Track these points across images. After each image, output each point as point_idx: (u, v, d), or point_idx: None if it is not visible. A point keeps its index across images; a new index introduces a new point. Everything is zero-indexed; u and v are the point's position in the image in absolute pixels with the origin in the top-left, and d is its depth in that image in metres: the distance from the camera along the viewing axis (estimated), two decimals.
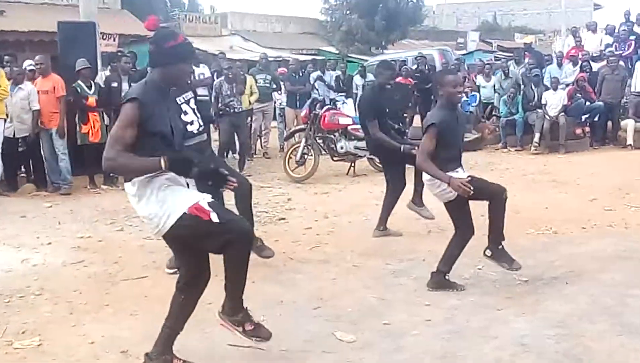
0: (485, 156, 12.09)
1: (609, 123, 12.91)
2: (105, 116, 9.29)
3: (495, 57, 23.19)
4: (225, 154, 10.70)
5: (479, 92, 14.44)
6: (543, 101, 12.64)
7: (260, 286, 5.06)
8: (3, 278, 5.29)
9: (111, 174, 9.00)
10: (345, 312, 4.53)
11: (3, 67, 8.97)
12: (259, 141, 12.76)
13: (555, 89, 12.69)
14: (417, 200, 6.61)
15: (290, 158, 9.93)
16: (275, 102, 13.31)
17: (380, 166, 8.05)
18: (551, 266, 5.53)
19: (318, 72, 14.11)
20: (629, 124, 12.43)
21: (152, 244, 5.82)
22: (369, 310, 4.58)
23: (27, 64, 9.81)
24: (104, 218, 7.30)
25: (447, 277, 4.98)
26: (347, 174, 10.23)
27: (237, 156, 10.97)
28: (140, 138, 3.32)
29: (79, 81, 9.02)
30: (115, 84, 9.16)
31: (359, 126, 9.65)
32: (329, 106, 10.46)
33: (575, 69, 13.96)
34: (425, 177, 4.99)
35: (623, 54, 14.13)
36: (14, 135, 8.82)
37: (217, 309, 3.64)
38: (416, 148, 6.36)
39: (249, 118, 12.14)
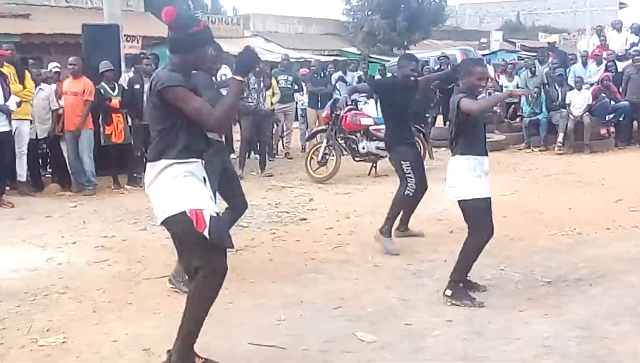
0: (509, 156, 12.01)
1: (635, 123, 12.76)
2: (129, 118, 9.36)
3: (518, 56, 23.04)
4: (247, 154, 10.73)
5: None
6: (567, 101, 12.52)
7: (281, 286, 5.08)
8: (28, 276, 5.36)
9: (135, 175, 9.11)
10: (366, 312, 4.53)
11: (28, 70, 9.06)
12: (280, 141, 12.79)
13: (579, 89, 12.57)
14: (386, 229, 6.26)
15: (311, 158, 9.95)
16: (297, 103, 13.34)
17: None
18: (574, 267, 5.48)
19: (339, 73, 14.13)
20: None
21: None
22: (389, 311, 4.57)
23: (53, 66, 9.98)
24: (128, 218, 7.37)
25: (467, 277, 4.92)
26: (368, 174, 10.21)
27: (257, 156, 11.01)
28: (171, 119, 3.40)
29: (103, 83, 9.11)
30: (137, 86, 9.25)
31: (380, 126, 9.66)
32: (351, 106, 10.45)
33: (599, 68, 13.82)
34: (451, 165, 4.88)
35: None
36: (37, 136, 8.95)
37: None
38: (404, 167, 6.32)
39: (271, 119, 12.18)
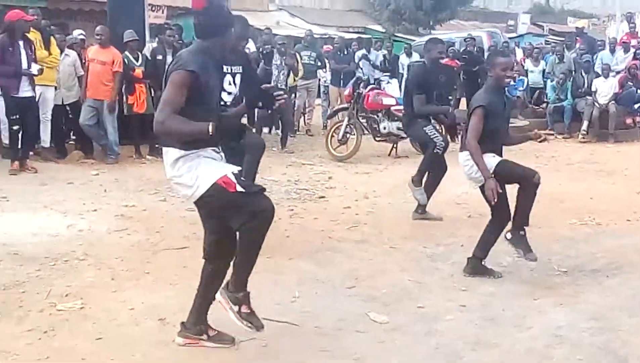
0: (531, 143, 11.72)
1: None
2: (151, 88, 9.39)
3: (546, 41, 22.68)
4: (269, 130, 10.73)
5: (527, 76, 14.17)
6: (593, 88, 12.36)
7: (297, 263, 5.12)
8: (49, 242, 5.45)
9: (157, 145, 9.16)
10: (380, 293, 4.55)
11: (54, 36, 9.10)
12: (302, 118, 12.78)
13: (606, 76, 12.39)
14: (416, 179, 6.52)
15: (332, 136, 9.94)
16: (319, 79, 13.29)
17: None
18: (592, 257, 5.46)
19: (363, 51, 14.03)
20: None
21: (194, 215, 5.83)
22: (403, 293, 4.59)
23: (77, 33, 10.00)
24: (148, 188, 7.43)
25: (483, 263, 4.95)
26: (389, 155, 10.19)
27: (279, 132, 11.02)
28: (188, 105, 3.39)
29: (127, 52, 9.12)
30: (160, 57, 9.24)
31: (402, 107, 9.63)
32: (373, 85, 10.41)
33: (627, 56, 13.60)
34: (462, 158, 4.93)
35: None
36: (62, 102, 9.01)
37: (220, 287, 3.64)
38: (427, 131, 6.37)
39: (293, 95, 12.16)
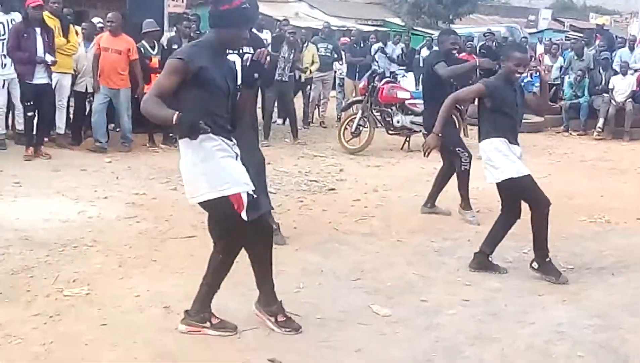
0: (545, 139, 11.83)
1: None
2: None
3: (566, 37, 22.49)
4: (283, 121, 10.72)
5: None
6: (610, 86, 12.23)
7: (303, 254, 5.15)
8: (59, 227, 5.52)
9: (170, 134, 9.22)
10: (385, 286, 4.57)
11: (72, 22, 9.17)
12: (317, 109, 12.79)
13: (624, 74, 12.25)
14: (464, 203, 6.47)
15: (345, 128, 9.94)
16: (335, 71, 13.29)
17: None
18: (599, 255, 5.44)
19: (380, 44, 14.00)
20: None
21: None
22: (408, 286, 4.61)
23: (97, 21, 10.06)
24: (160, 176, 7.49)
25: (490, 259, 4.95)
26: (401, 148, 10.17)
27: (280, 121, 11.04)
28: (189, 93, 3.43)
29: (144, 41, 9.16)
30: (175, 46, 9.23)
31: (416, 101, 9.62)
32: (388, 79, 10.39)
33: None
34: (481, 148, 4.92)
35: None
36: (86, 89, 9.07)
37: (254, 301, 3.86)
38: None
39: (308, 86, 12.17)
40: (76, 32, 9.05)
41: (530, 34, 23.15)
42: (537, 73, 13.60)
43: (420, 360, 3.56)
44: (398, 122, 9.97)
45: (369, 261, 5.10)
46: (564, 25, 31.36)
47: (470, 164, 6.35)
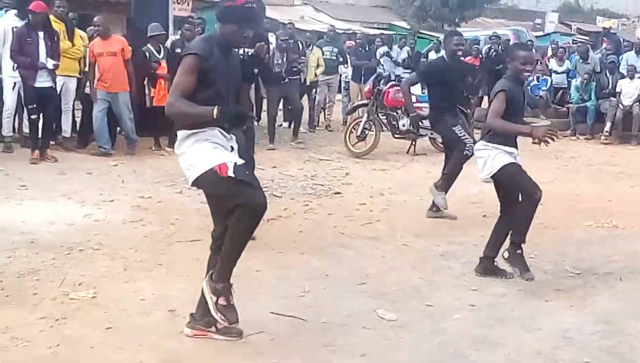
0: (552, 143, 11.73)
1: None
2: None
3: (573, 40, 22.43)
4: (274, 126, 10.59)
5: (550, 76, 14.03)
6: (618, 90, 12.20)
7: (308, 258, 5.15)
8: (65, 231, 5.53)
9: (176, 137, 9.21)
10: (390, 290, 4.56)
11: (78, 26, 9.18)
12: (322, 113, 12.79)
13: (631, 78, 12.21)
14: (440, 184, 6.50)
15: (351, 132, 9.94)
16: (341, 75, 13.28)
17: (442, 146, 7.98)
18: (606, 260, 5.41)
19: (385, 48, 13.98)
20: None
21: (208, 208, 5.96)
22: (413, 291, 4.60)
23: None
24: (165, 180, 7.50)
25: (495, 263, 4.93)
26: (407, 152, 10.17)
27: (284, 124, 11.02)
28: (198, 89, 3.48)
29: (149, 45, 9.15)
30: (178, 50, 9.24)
31: (422, 104, 9.58)
32: (394, 82, 10.38)
33: None
34: (478, 154, 4.92)
35: None
36: None
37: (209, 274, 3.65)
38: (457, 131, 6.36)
39: (314, 90, 12.17)
40: (81, 37, 9.07)
41: (536, 37, 23.10)
42: (544, 77, 13.69)
43: None
44: (404, 125, 9.96)
45: (374, 265, 5.09)
46: (570, 29, 31.28)
47: (472, 151, 6.32)
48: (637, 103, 11.99)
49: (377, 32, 19.27)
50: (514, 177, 4.76)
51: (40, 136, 8.11)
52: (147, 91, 9.25)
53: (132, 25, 10.64)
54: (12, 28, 8.19)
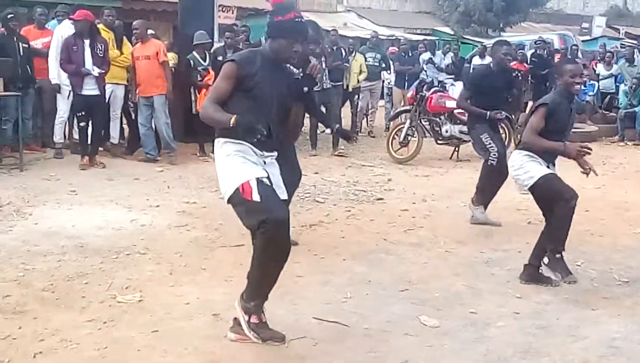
0: (600, 149, 11.50)
1: None
2: None
3: (621, 44, 21.97)
4: (316, 133, 10.56)
5: (598, 81, 13.78)
6: None
7: (350, 264, 5.15)
8: (113, 235, 5.66)
9: None
10: (432, 297, 4.54)
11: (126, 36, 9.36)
12: (365, 119, 12.79)
13: None
14: (476, 198, 6.50)
15: (393, 138, 9.92)
16: (383, 81, 13.27)
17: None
18: None
19: (428, 54, 13.91)
20: None
21: None
22: (456, 298, 4.57)
23: (148, 33, 10.27)
24: (209, 186, 7.59)
25: (540, 271, 4.87)
26: (450, 158, 10.11)
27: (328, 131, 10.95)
28: (237, 98, 3.54)
29: (194, 53, 9.28)
30: (220, 58, 9.34)
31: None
32: (437, 88, 10.33)
33: None
34: (511, 165, 4.90)
35: None
36: None
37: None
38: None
39: (357, 96, 12.18)
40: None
41: (583, 41, 22.73)
42: (591, 81, 13.44)
43: None
44: (447, 131, 9.91)
45: (416, 271, 5.07)
46: (619, 33, 30.65)
47: (497, 161, 6.33)
48: None
49: (420, 37, 19.18)
50: (550, 185, 4.70)
51: (89, 142, 8.31)
52: (193, 98, 9.37)
53: (179, 34, 10.83)
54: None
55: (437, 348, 3.78)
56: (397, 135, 9.89)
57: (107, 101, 8.67)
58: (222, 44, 9.94)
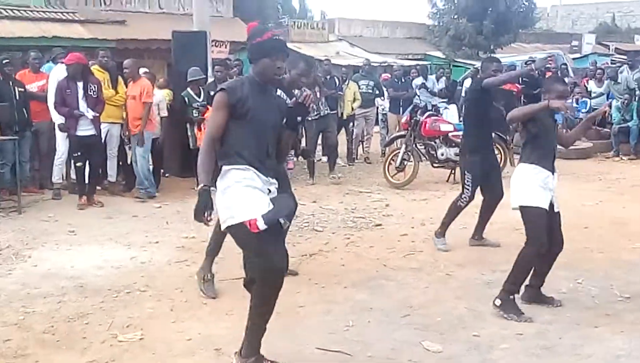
0: (595, 165, 11.62)
1: None
2: None
3: (612, 60, 22.14)
4: (313, 161, 10.59)
5: (590, 97, 13.87)
6: None
7: (351, 291, 5.15)
8: (113, 274, 5.65)
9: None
10: (435, 322, 4.53)
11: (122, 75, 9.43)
12: (360, 146, 12.85)
13: None
14: (439, 231, 6.54)
15: (390, 163, 9.96)
16: (377, 107, 13.35)
17: None
18: None
19: (421, 79, 14.01)
20: None
21: None
22: (459, 321, 4.56)
23: (142, 71, 10.37)
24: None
25: (541, 290, 4.86)
26: (447, 181, 10.13)
27: (324, 158, 11.03)
28: (234, 125, 3.59)
29: (189, 89, 9.34)
30: (212, 93, 9.40)
31: (459, 133, 9.57)
32: (431, 112, 10.40)
33: None
34: (516, 175, 4.89)
35: None
36: None
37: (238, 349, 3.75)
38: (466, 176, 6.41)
39: (351, 123, 12.25)
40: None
41: (574, 59, 22.90)
42: (583, 99, 13.53)
43: None
44: (442, 154, 9.95)
45: (417, 296, 5.07)
46: (608, 49, 30.89)
47: (466, 205, 6.47)
48: None
49: (413, 63, 19.31)
50: (532, 219, 4.65)
51: (86, 182, 8.33)
52: (189, 133, 9.39)
53: (173, 70, 10.92)
54: None
55: None
56: (393, 160, 9.92)
57: (103, 140, 8.73)
58: (213, 79, 9.99)
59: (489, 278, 5.46)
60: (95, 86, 8.32)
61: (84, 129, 8.20)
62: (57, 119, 8.48)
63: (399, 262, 5.97)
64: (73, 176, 8.78)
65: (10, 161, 8.40)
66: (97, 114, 8.30)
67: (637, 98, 12.51)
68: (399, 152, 9.90)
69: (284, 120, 3.88)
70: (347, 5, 44.88)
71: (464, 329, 4.41)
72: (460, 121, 10.56)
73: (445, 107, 11.54)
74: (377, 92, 12.84)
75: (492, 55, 24.97)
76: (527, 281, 4.88)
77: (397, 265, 5.86)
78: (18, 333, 4.36)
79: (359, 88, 12.22)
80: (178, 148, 9.79)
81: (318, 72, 10.72)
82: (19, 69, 9.34)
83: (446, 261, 5.95)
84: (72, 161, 8.49)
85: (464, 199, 6.43)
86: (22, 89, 8.75)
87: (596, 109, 13.72)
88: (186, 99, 9.28)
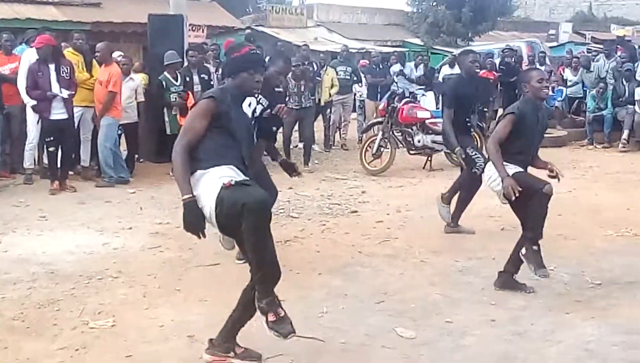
0: (569, 153, 11.72)
1: None
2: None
3: (588, 49, 22.32)
4: (289, 146, 10.55)
5: (565, 86, 13.98)
6: (636, 97, 12.08)
7: (325, 278, 5.14)
8: (85, 260, 5.58)
9: None
10: (409, 308, 4.54)
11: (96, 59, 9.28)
12: (337, 132, 12.82)
13: None
14: (446, 196, 6.59)
15: (366, 150, 9.94)
16: (355, 94, 13.32)
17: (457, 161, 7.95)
18: (628, 270, 5.35)
19: (399, 66, 14.01)
20: None
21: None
22: (432, 307, 4.57)
23: (117, 55, 10.22)
24: None
25: (514, 277, 4.89)
26: (423, 168, 10.15)
27: (300, 144, 11.02)
28: (212, 133, 3.51)
29: (165, 73, 9.21)
30: (188, 78, 9.33)
31: (437, 120, 9.60)
32: (408, 99, 10.40)
33: None
34: (488, 177, 4.95)
35: None
36: None
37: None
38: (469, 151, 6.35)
39: (329, 110, 12.21)
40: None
41: (551, 47, 23.03)
42: (559, 87, 13.63)
43: None
44: (419, 141, 9.97)
45: (392, 283, 5.08)
46: (585, 38, 31.15)
47: (483, 168, 6.31)
48: None
49: (391, 49, 19.29)
50: (521, 180, 4.69)
51: (59, 167, 8.21)
52: (167, 118, 9.25)
53: (149, 54, 10.79)
54: None
55: (414, 359, 3.79)
56: (369, 147, 9.91)
57: (77, 124, 8.60)
58: (186, 63, 9.86)
59: (463, 265, 5.49)
60: (68, 68, 8.18)
61: (57, 113, 8.06)
62: (29, 102, 8.32)
63: (374, 249, 5.97)
64: (45, 160, 8.65)
65: None
66: (73, 93, 8.16)
67: (612, 87, 12.60)
68: (375, 139, 9.89)
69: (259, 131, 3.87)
70: None
71: (437, 315, 4.43)
72: (438, 108, 10.58)
73: (423, 94, 11.55)
74: (355, 78, 12.79)
75: (470, 43, 25.13)
76: (502, 268, 4.91)
77: (372, 252, 5.87)
78: None
79: (337, 74, 12.15)
80: (154, 132, 9.68)
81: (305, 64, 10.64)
82: None
83: (421, 248, 5.97)
84: (45, 146, 8.35)
85: (479, 166, 6.23)
86: None
87: (571, 97, 13.92)
88: (164, 83, 9.15)
